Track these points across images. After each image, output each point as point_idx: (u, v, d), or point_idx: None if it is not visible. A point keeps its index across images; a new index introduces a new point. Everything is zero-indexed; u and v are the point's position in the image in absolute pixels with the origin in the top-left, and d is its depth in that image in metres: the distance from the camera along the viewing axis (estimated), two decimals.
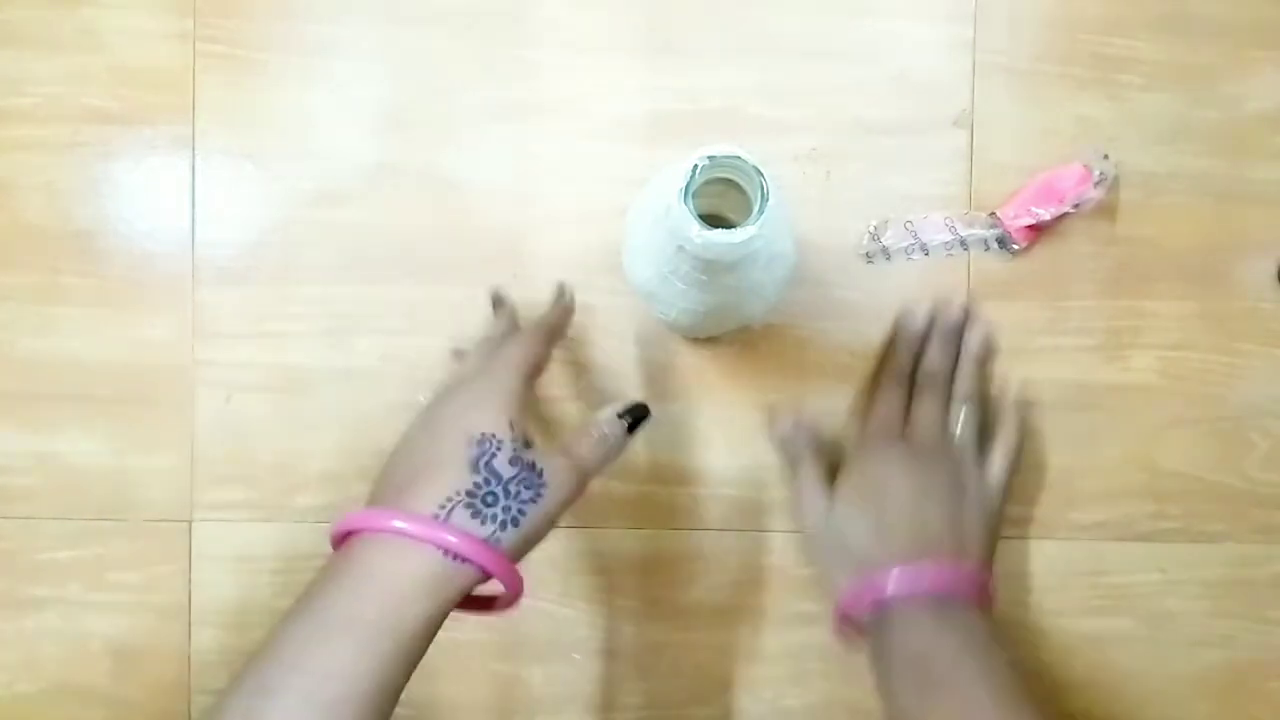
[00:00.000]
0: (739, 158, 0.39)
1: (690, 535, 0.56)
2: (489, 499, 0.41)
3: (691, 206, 0.39)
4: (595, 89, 0.56)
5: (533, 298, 0.55)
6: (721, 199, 0.43)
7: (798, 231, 0.47)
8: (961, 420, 0.53)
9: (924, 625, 0.47)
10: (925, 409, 0.53)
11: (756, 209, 0.39)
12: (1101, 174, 0.54)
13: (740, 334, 0.56)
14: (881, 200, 0.56)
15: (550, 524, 0.43)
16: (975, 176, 0.56)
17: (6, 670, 0.56)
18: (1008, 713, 0.44)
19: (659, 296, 0.47)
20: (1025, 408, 0.55)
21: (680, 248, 0.41)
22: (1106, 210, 0.55)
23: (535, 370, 0.46)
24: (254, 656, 0.38)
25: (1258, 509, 0.56)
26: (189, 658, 0.56)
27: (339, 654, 0.37)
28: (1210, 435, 0.56)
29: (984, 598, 0.49)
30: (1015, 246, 0.55)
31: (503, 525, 0.41)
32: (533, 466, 0.42)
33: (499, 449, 0.41)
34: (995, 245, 0.55)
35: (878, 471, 0.51)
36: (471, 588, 0.41)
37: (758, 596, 0.56)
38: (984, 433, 0.54)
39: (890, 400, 0.53)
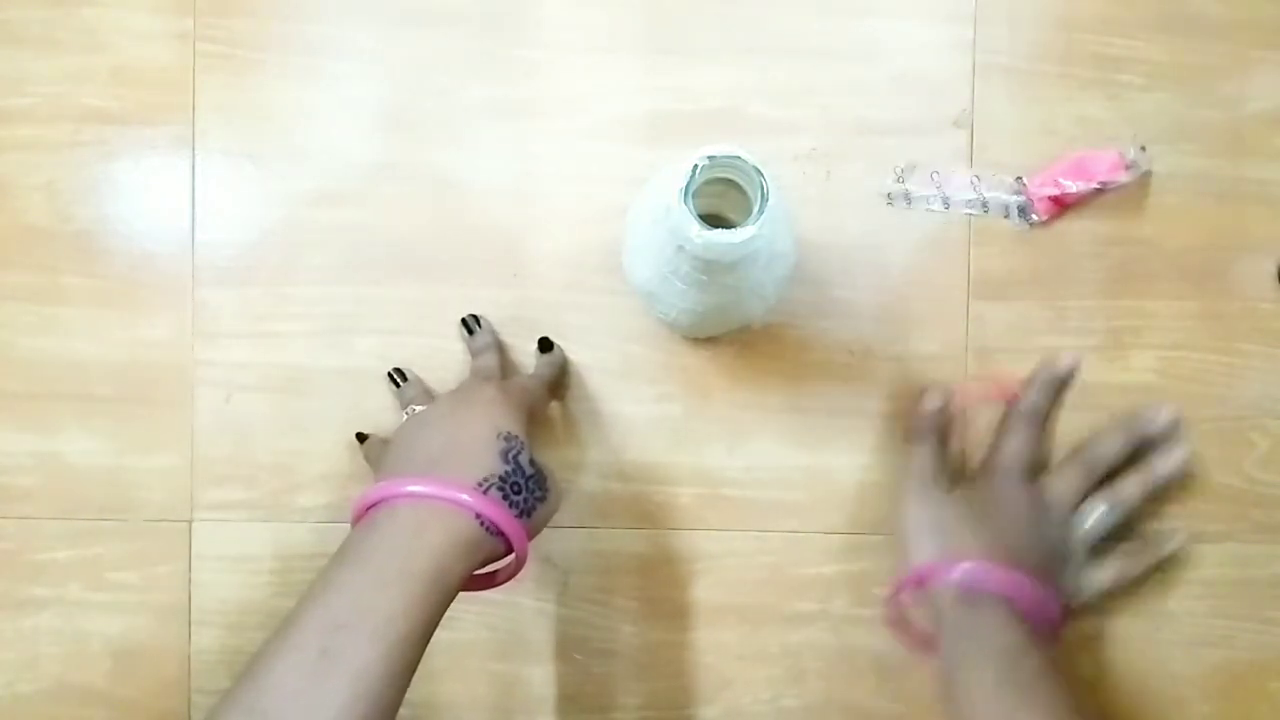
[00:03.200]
0: (739, 158, 0.39)
1: (690, 535, 0.56)
2: (515, 487, 0.45)
3: (691, 206, 0.39)
4: (595, 89, 0.56)
5: (533, 297, 0.56)
6: (721, 199, 0.43)
7: (798, 231, 0.47)
8: (1095, 518, 0.53)
9: (1018, 627, 0.47)
10: (1068, 479, 0.53)
11: (756, 209, 0.39)
12: (1134, 162, 0.54)
13: (740, 334, 0.56)
14: (882, 200, 0.56)
15: (544, 525, 0.48)
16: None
17: (6, 670, 0.56)
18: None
19: (659, 296, 0.47)
20: (1168, 555, 0.55)
21: (680, 248, 0.41)
22: (1107, 210, 0.55)
23: (534, 411, 0.51)
24: (308, 599, 0.42)
25: (1258, 509, 0.56)
26: (189, 658, 0.56)
27: (398, 600, 0.41)
28: (1210, 435, 0.56)
29: (1054, 630, 0.50)
30: (1035, 217, 0.55)
31: (522, 512, 0.45)
32: (542, 472, 0.47)
33: (522, 448, 0.46)
34: (1016, 213, 0.55)
35: (1002, 494, 0.52)
36: (493, 559, 0.45)
37: (758, 596, 0.56)
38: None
39: (1019, 446, 0.53)
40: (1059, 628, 0.50)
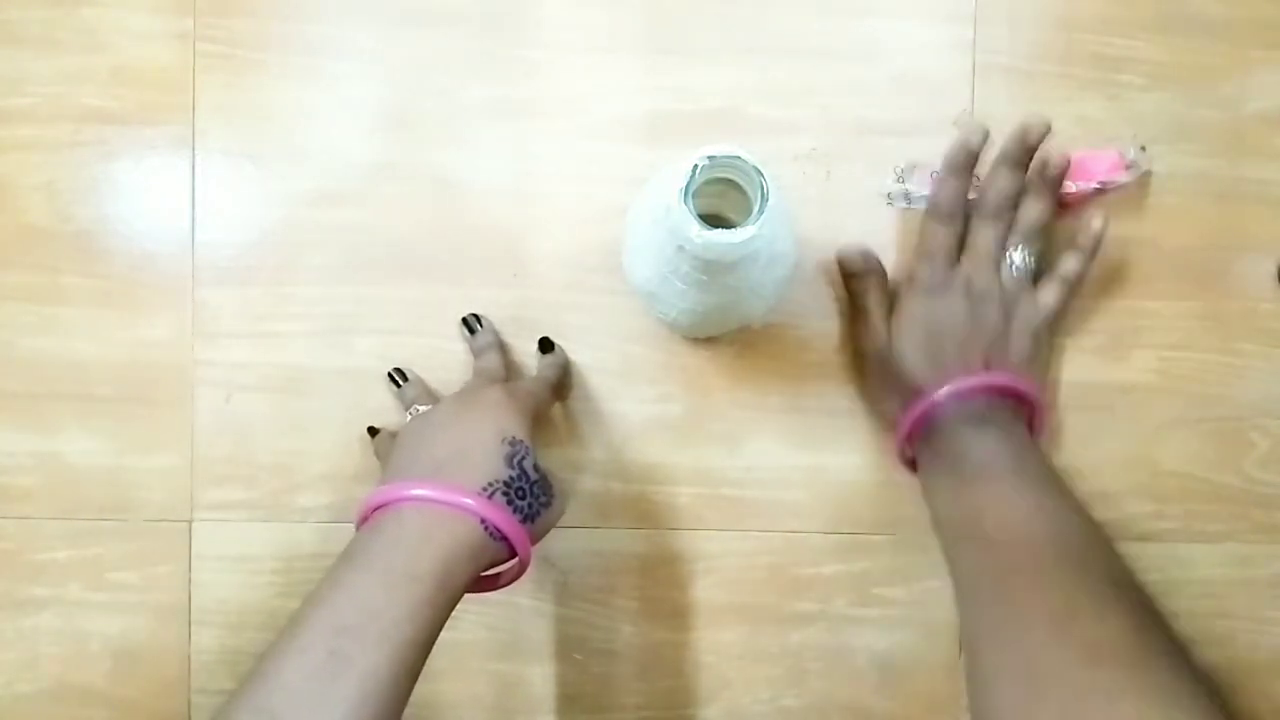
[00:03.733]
0: (739, 158, 0.39)
1: (690, 535, 0.56)
2: (520, 492, 0.46)
3: (691, 206, 0.39)
4: (595, 89, 0.56)
5: (533, 297, 0.56)
6: (721, 199, 0.43)
7: (798, 231, 0.47)
8: (1016, 261, 0.52)
9: (961, 433, 0.49)
10: (981, 241, 0.52)
11: (756, 209, 0.39)
12: (1134, 162, 0.54)
13: (740, 334, 0.56)
14: (882, 200, 0.56)
15: (547, 531, 0.48)
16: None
17: (6, 670, 0.56)
18: (1029, 499, 0.47)
19: (659, 296, 0.47)
20: (1097, 238, 0.53)
21: (680, 248, 0.41)
22: (1107, 210, 0.55)
23: (539, 414, 0.51)
24: (315, 601, 0.42)
25: (1258, 509, 0.56)
26: (189, 658, 0.56)
27: (405, 603, 0.41)
28: (1210, 435, 0.56)
29: (1027, 408, 0.51)
30: None
31: (526, 517, 0.46)
32: (547, 478, 0.48)
33: (527, 453, 0.46)
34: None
35: (931, 306, 0.52)
36: (497, 563, 0.46)
37: (758, 596, 0.56)
38: (1045, 265, 0.53)
39: (939, 235, 0.53)
40: (1025, 387, 0.51)
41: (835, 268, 0.55)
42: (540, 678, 0.56)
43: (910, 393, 0.51)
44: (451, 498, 0.44)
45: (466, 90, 0.56)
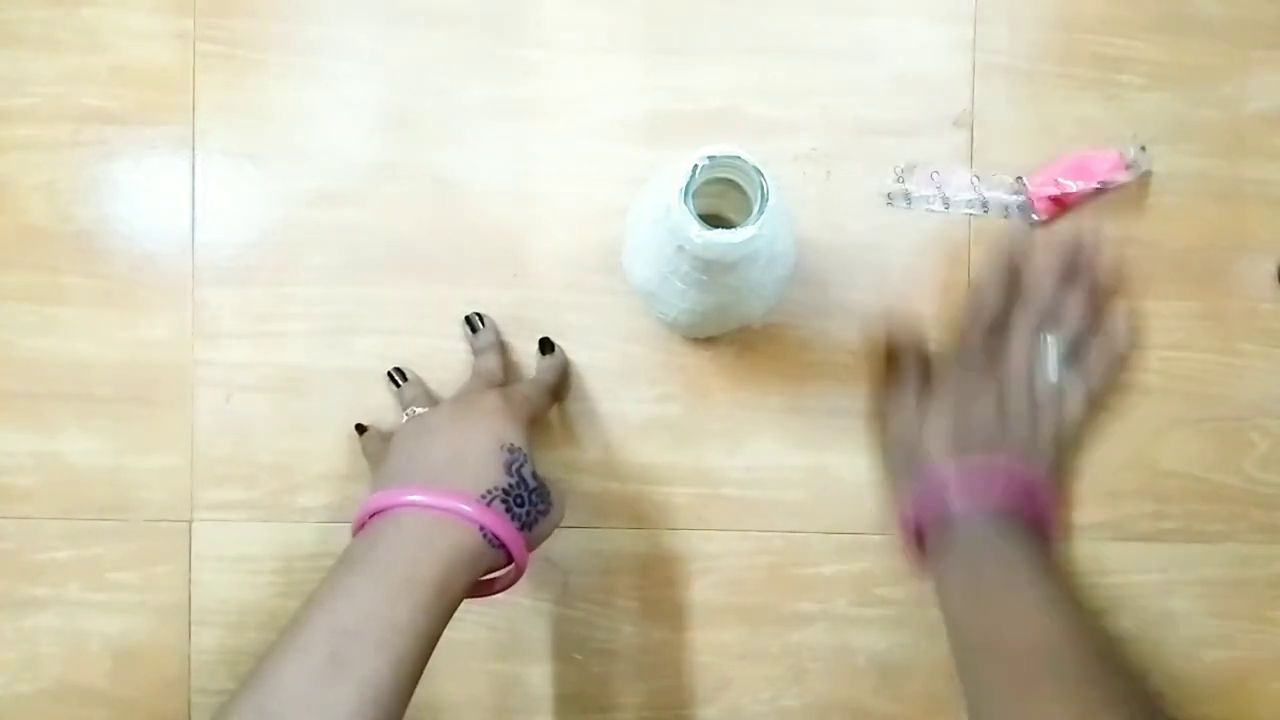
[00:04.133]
0: (739, 158, 0.39)
1: (690, 535, 0.56)
2: (519, 500, 0.46)
3: (691, 206, 0.39)
4: (595, 89, 0.56)
5: (533, 297, 0.56)
6: (721, 199, 0.43)
7: (798, 231, 0.47)
8: (1049, 353, 0.51)
9: (984, 536, 0.47)
10: (1018, 333, 0.51)
11: (756, 209, 0.39)
12: (1134, 162, 0.54)
13: (740, 334, 0.56)
14: (882, 200, 0.56)
15: (546, 538, 0.49)
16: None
17: (6, 670, 0.56)
18: (1056, 615, 0.44)
19: (659, 296, 0.47)
20: (1131, 342, 0.52)
21: (680, 248, 0.41)
22: (1107, 210, 0.55)
23: (535, 419, 0.51)
24: (316, 604, 0.42)
25: (1258, 509, 0.56)
26: (189, 658, 0.56)
27: (406, 608, 0.42)
28: (1210, 435, 0.56)
29: (1050, 515, 0.49)
30: (1036, 216, 0.55)
31: (523, 525, 0.46)
32: (545, 485, 0.48)
33: (525, 461, 0.47)
34: (1016, 212, 0.55)
35: (963, 390, 0.51)
36: (494, 568, 0.46)
37: (758, 596, 0.56)
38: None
39: (978, 333, 0.52)
40: (1050, 492, 0.49)
41: (873, 331, 0.55)
42: (540, 678, 0.56)
43: (930, 478, 0.49)
44: (450, 504, 0.44)
45: (466, 90, 0.56)
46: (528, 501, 0.46)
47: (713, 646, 0.57)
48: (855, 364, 0.56)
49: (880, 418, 0.55)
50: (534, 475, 0.47)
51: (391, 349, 0.56)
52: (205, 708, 0.56)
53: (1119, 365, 0.52)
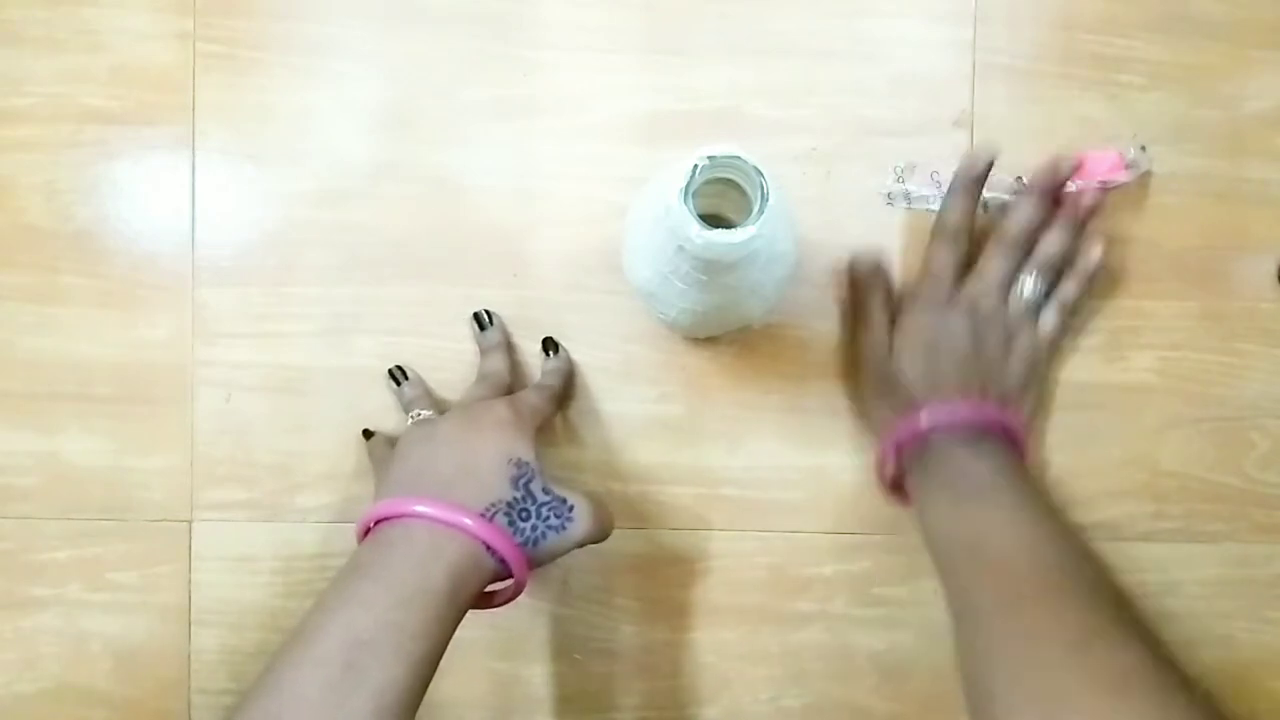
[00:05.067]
0: (739, 158, 0.39)
1: (690, 535, 0.56)
2: (523, 514, 0.46)
3: (691, 206, 0.39)
4: (595, 89, 0.56)
5: (533, 297, 0.56)
6: (721, 199, 0.43)
7: (798, 231, 0.47)
8: (1028, 289, 0.53)
9: (957, 453, 0.49)
10: (994, 267, 0.52)
11: (756, 209, 0.39)
12: (1134, 161, 0.54)
13: (740, 334, 0.56)
14: (882, 200, 0.56)
15: (563, 554, 0.48)
16: None
17: (6, 670, 0.56)
18: (1033, 524, 0.46)
19: (659, 296, 0.47)
20: (1096, 267, 0.54)
21: (680, 248, 0.41)
22: (1107, 210, 0.55)
23: (544, 424, 0.51)
24: (328, 611, 0.42)
25: (1258, 509, 0.56)
26: (189, 658, 0.56)
27: (418, 618, 0.42)
28: (1210, 435, 0.56)
29: (1019, 440, 0.51)
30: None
31: (528, 541, 0.46)
32: (564, 501, 0.47)
33: (533, 475, 0.47)
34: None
35: (933, 323, 0.52)
36: (494, 580, 0.46)
37: (758, 596, 0.56)
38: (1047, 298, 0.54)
39: (944, 254, 0.53)
40: (1020, 422, 0.51)
41: (842, 271, 0.55)
42: (540, 678, 0.56)
43: (904, 405, 0.51)
44: (453, 518, 0.44)
45: (466, 90, 0.56)
46: (535, 515, 0.46)
47: (713, 646, 0.57)
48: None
49: (852, 351, 0.55)
50: (545, 490, 0.47)
51: (391, 349, 0.56)
52: (205, 708, 0.56)
53: (1088, 285, 0.54)
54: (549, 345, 0.55)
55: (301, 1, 0.56)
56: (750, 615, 0.56)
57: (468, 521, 0.44)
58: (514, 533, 0.45)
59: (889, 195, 0.55)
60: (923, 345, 0.51)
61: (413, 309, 0.56)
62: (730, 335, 0.56)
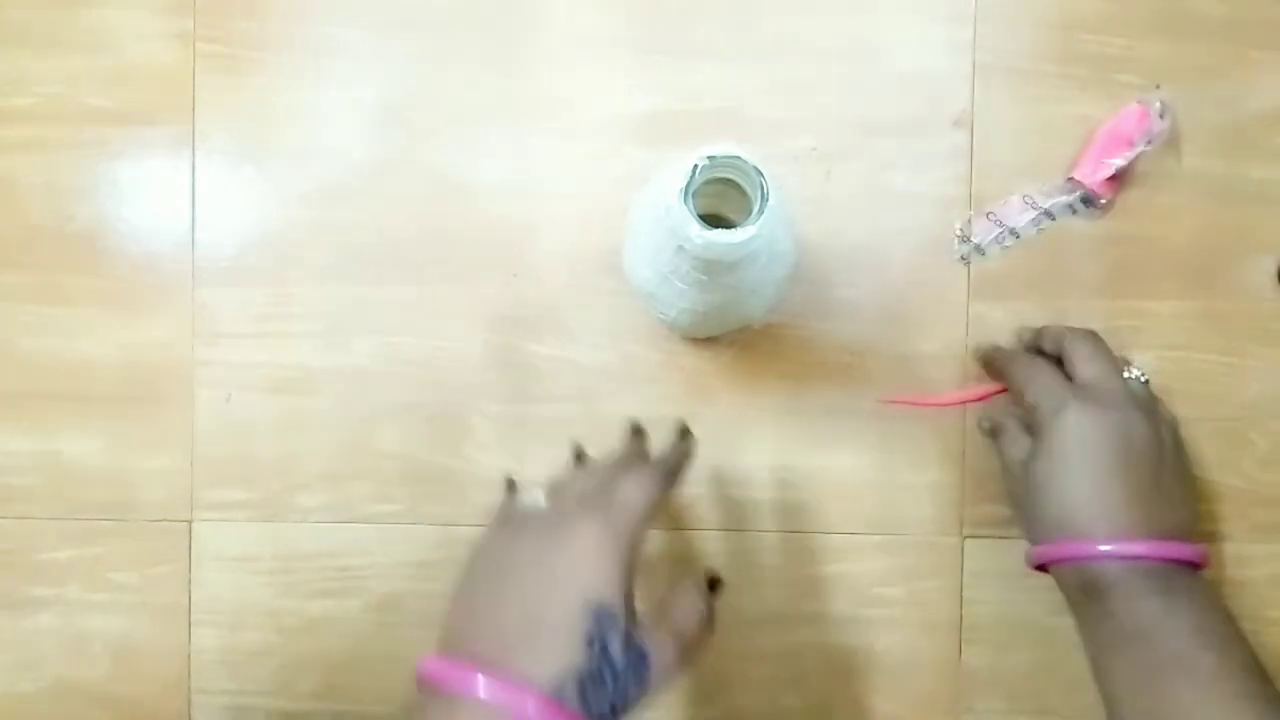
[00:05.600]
0: (739, 158, 0.39)
1: (690, 535, 0.56)
2: (597, 680, 0.38)
3: (691, 206, 0.39)
4: (595, 89, 0.56)
5: (533, 297, 0.56)
6: (721, 199, 0.43)
7: (798, 231, 0.47)
8: (1137, 371, 0.50)
9: (1146, 601, 0.44)
10: (1089, 359, 0.49)
11: (756, 209, 0.39)
12: (1160, 104, 0.54)
13: (740, 334, 0.56)
14: (882, 200, 0.56)
15: (647, 702, 0.41)
16: (975, 176, 0.56)
17: (6, 670, 0.56)
18: (1235, 698, 0.42)
19: (659, 296, 0.47)
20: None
21: (680, 248, 0.41)
22: (1106, 209, 0.55)
23: (650, 521, 0.43)
24: None
25: (1257, 508, 0.56)
26: (189, 658, 0.56)
27: None
28: (1210, 435, 0.56)
29: (1204, 565, 0.47)
30: (1102, 201, 0.55)
31: (609, 710, 0.39)
32: (642, 654, 0.40)
33: (614, 630, 0.39)
34: (1081, 206, 0.55)
35: (1076, 429, 0.46)
36: None
37: (758, 596, 0.56)
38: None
39: (1040, 365, 0.50)
40: (1201, 543, 0.47)
41: (980, 350, 0.54)
42: None
43: (1062, 526, 0.46)
44: (511, 701, 0.37)
45: (466, 90, 0.56)
46: (612, 680, 0.38)
47: (713, 646, 0.56)
48: (855, 364, 0.56)
49: (997, 433, 0.51)
50: (626, 644, 0.39)
51: (391, 349, 0.56)
52: (205, 708, 0.56)
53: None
54: (683, 432, 0.49)
55: (301, 1, 0.56)
56: (750, 615, 0.56)
57: (528, 706, 0.37)
58: (585, 706, 0.38)
59: (963, 257, 0.55)
60: (1075, 456, 0.46)
61: (413, 309, 0.56)
62: (730, 335, 0.56)
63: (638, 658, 0.39)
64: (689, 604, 0.43)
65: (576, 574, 0.39)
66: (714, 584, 0.45)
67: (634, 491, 0.42)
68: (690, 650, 0.42)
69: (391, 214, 0.56)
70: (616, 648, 0.39)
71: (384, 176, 0.56)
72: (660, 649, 0.40)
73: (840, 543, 0.56)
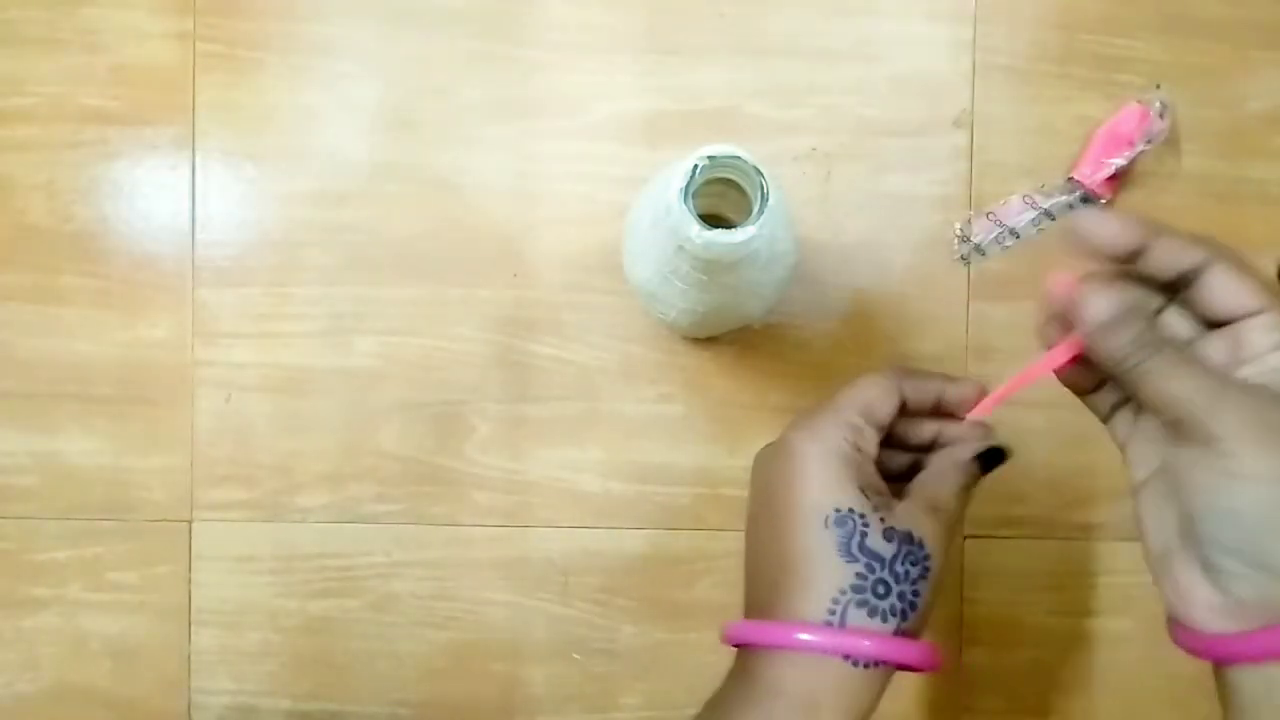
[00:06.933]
0: (739, 158, 0.39)
1: (690, 535, 0.56)
2: (880, 589, 0.35)
3: (691, 206, 0.39)
4: (595, 89, 0.56)
5: (533, 297, 0.56)
6: (721, 199, 0.43)
7: (798, 231, 0.47)
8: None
9: None
10: (1269, 328, 0.35)
11: (756, 209, 0.39)
12: (1160, 104, 0.54)
13: (740, 334, 0.56)
14: (882, 200, 0.56)
15: (939, 593, 0.37)
16: (975, 176, 0.56)
17: (6, 670, 0.56)
18: None
19: (659, 296, 0.47)
20: None
21: (680, 248, 0.41)
22: (1106, 209, 0.55)
23: (879, 416, 0.39)
24: None
25: None
26: (189, 658, 0.56)
27: None
28: None
29: None
30: (1102, 201, 0.55)
31: (903, 615, 0.35)
32: (907, 535, 0.36)
33: (865, 526, 0.36)
34: (1081, 206, 0.55)
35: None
36: (887, 683, 0.36)
37: None
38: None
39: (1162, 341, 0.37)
40: None
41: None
42: (540, 678, 0.56)
43: (1247, 606, 0.34)
44: (788, 638, 0.35)
45: (466, 90, 0.56)
46: (895, 581, 0.35)
47: (713, 646, 0.56)
48: (855, 364, 0.56)
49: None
50: (887, 535, 0.35)
51: (391, 349, 0.56)
52: (205, 708, 0.56)
53: None
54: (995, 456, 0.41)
55: (301, 1, 0.56)
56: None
57: (814, 640, 0.34)
58: (881, 619, 0.35)
59: (963, 258, 0.55)
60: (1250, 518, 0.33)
61: (413, 309, 0.56)
62: (730, 335, 0.56)
63: (908, 543, 0.36)
64: (940, 475, 0.39)
65: (796, 494, 0.37)
66: (994, 458, 0.40)
67: (842, 389, 0.40)
68: (951, 523, 0.38)
69: (392, 214, 0.56)
70: (877, 541, 0.35)
71: (384, 176, 0.56)
72: (928, 529, 0.37)
73: None
